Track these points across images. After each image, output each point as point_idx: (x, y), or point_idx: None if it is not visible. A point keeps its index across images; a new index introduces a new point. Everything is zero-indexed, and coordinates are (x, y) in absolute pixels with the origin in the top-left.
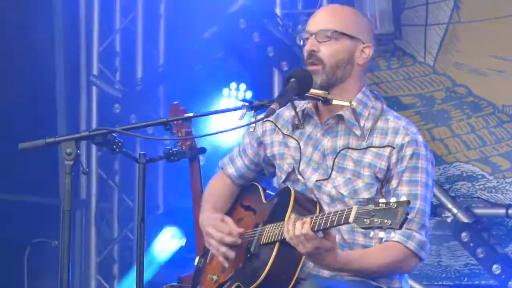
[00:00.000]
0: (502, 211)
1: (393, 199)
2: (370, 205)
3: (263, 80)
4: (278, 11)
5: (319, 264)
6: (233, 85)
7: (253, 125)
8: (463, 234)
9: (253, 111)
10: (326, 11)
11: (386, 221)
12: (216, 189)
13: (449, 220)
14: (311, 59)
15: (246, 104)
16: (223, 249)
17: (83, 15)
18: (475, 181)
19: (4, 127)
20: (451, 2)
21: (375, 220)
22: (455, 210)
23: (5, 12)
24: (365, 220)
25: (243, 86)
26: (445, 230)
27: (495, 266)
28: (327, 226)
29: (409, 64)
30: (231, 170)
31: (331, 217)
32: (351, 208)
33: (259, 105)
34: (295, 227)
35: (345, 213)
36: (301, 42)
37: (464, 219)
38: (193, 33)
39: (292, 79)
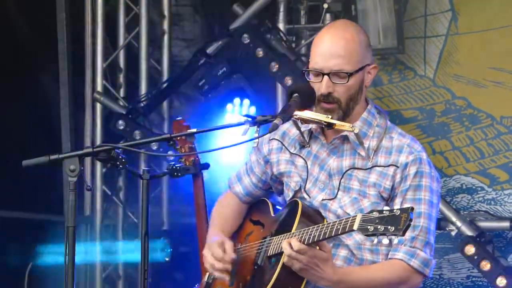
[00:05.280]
0: (506, 224)
1: (396, 206)
2: (374, 213)
3: (266, 95)
4: (281, 26)
5: (319, 278)
6: (236, 100)
7: (257, 140)
8: (467, 247)
9: (256, 126)
10: (336, 45)
11: (389, 227)
12: (224, 209)
13: (453, 233)
14: (327, 99)
15: (249, 119)
16: (216, 273)
17: (88, 32)
18: (474, 194)
19: (8, 143)
20: (449, 14)
21: (379, 227)
22: (459, 224)
23: (11, 28)
24: (369, 227)
25: (246, 102)
26: (445, 242)
27: (499, 278)
28: (332, 235)
29: (410, 78)
30: (238, 188)
31: (336, 225)
32: (355, 216)
33: (263, 120)
34: (286, 248)
35: (349, 221)
36: (310, 78)
37: (468, 232)
38: (197, 48)
39: (295, 94)
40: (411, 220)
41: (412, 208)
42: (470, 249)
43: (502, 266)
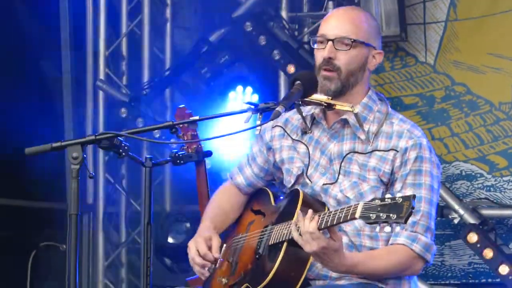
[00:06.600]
0: (509, 212)
1: (398, 194)
2: (376, 201)
3: (269, 83)
4: (284, 14)
5: (325, 265)
6: (239, 88)
7: (259, 127)
8: (470, 235)
9: (258, 114)
10: (343, 17)
11: (391, 215)
12: (221, 202)
13: (456, 221)
14: (327, 65)
15: (252, 107)
16: (196, 268)
17: (90, 19)
18: (474, 180)
19: (11, 132)
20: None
21: (381, 215)
22: (461, 211)
23: (12, 15)
24: (371, 215)
25: (249, 89)
26: (446, 229)
27: (502, 266)
28: (334, 223)
29: (412, 64)
30: (240, 179)
31: (337, 214)
32: (358, 204)
33: (265, 107)
34: (302, 225)
35: (351, 209)
36: (314, 46)
37: (470, 220)
38: (199, 36)
39: (297, 82)
40: (413, 207)
41: (414, 196)
42: (473, 237)
43: (504, 254)
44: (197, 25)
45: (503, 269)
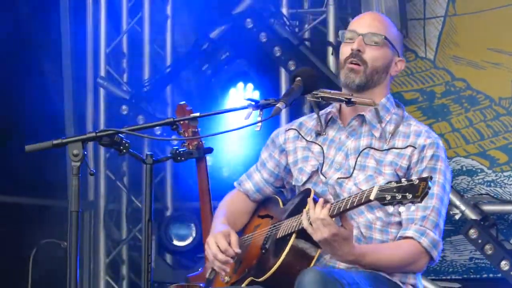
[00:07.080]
0: (509, 207)
1: (415, 177)
2: (392, 183)
3: (270, 80)
4: (284, 10)
5: (334, 254)
6: (240, 85)
7: (259, 124)
8: (471, 231)
9: (259, 110)
10: (375, 16)
11: (407, 195)
12: (230, 206)
13: (457, 217)
14: (355, 58)
15: (252, 103)
16: (216, 264)
17: (90, 16)
18: (474, 175)
19: (12, 129)
20: None
21: (396, 195)
22: (463, 207)
23: (12, 13)
24: (386, 196)
25: (250, 86)
26: (447, 224)
27: (503, 262)
28: (347, 208)
29: (412, 60)
30: (248, 185)
31: (351, 199)
32: (373, 187)
33: (265, 104)
34: (313, 212)
35: (366, 192)
36: (343, 40)
37: (472, 216)
38: (200, 33)
39: (298, 78)
40: (429, 187)
41: (431, 177)
42: (474, 233)
43: (505, 249)
44: (198, 22)
45: (505, 265)
